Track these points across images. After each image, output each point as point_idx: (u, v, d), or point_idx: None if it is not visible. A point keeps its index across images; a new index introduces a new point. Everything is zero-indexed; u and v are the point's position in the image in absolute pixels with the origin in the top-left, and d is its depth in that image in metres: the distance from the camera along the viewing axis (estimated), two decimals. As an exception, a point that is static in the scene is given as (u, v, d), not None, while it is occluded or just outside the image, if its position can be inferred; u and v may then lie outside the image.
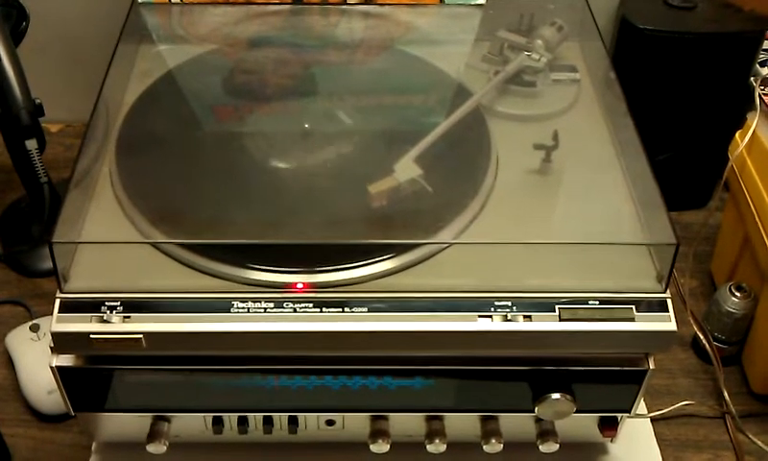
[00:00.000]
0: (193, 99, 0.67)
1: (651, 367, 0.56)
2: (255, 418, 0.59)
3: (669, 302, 0.54)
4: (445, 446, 0.59)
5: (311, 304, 0.52)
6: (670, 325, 0.53)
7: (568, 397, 0.56)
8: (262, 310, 0.52)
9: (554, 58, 0.70)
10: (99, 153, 0.61)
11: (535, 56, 0.69)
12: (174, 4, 0.76)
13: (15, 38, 0.72)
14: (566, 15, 0.72)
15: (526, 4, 0.74)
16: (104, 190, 0.58)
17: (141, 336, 0.51)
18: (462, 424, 0.60)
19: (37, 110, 0.69)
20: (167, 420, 0.59)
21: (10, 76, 0.68)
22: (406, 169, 0.59)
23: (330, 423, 0.60)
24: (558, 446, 0.60)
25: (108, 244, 0.54)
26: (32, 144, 0.70)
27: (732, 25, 0.77)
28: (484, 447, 0.59)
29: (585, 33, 0.73)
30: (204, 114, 0.66)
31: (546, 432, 0.60)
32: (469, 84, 0.68)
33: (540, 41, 0.70)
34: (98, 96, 0.62)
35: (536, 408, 0.57)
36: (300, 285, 0.52)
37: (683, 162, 0.82)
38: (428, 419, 0.59)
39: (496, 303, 0.53)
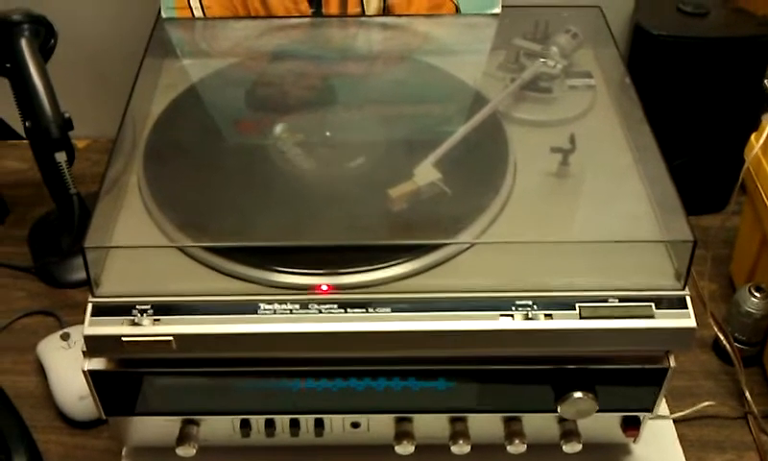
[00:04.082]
0: (217, 110, 0.69)
1: (672, 365, 0.56)
2: (282, 420, 0.60)
3: (688, 299, 0.54)
4: (470, 447, 0.60)
5: (336, 306, 0.53)
6: (690, 321, 0.54)
7: (590, 396, 0.57)
8: (288, 312, 0.53)
9: (569, 64, 0.71)
10: (127, 163, 0.62)
11: (550, 62, 0.70)
12: (197, 19, 0.78)
13: (44, 55, 0.74)
14: (581, 23, 0.73)
15: (541, 12, 0.75)
16: (132, 198, 0.60)
17: (171, 338, 0.52)
18: (485, 424, 0.60)
19: (66, 124, 0.71)
20: (196, 423, 0.60)
21: (39, 91, 0.70)
22: (426, 173, 0.60)
23: (356, 425, 0.61)
24: (581, 446, 0.60)
25: (137, 249, 0.56)
26: (61, 157, 0.72)
27: (745, 30, 0.78)
28: (507, 447, 0.60)
29: (599, 39, 0.75)
30: (228, 125, 0.68)
31: (569, 432, 0.60)
32: (486, 92, 0.69)
33: (555, 48, 0.71)
34: (126, 108, 0.64)
35: (558, 408, 0.57)
36: (324, 287, 0.54)
37: (699, 166, 0.82)
38: (452, 420, 0.60)
39: (517, 303, 0.53)
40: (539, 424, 0.60)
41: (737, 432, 0.68)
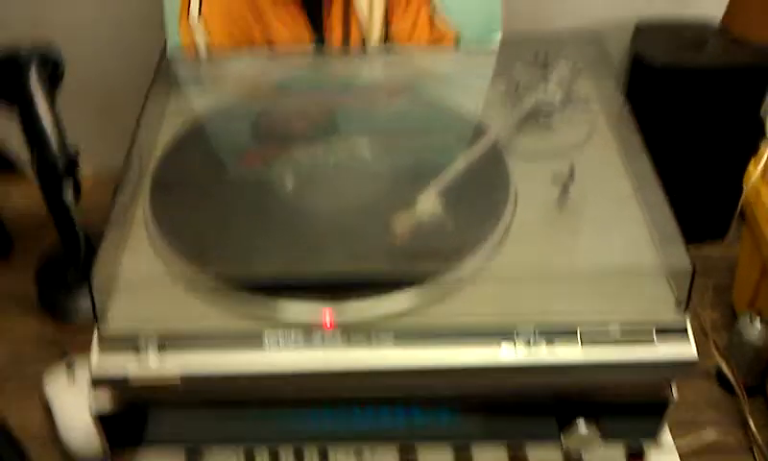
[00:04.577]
0: (223, 143, 0.70)
1: (674, 394, 0.56)
2: (287, 453, 0.60)
3: (689, 327, 0.55)
4: (473, 479, 0.60)
5: (339, 337, 0.53)
6: (690, 349, 0.54)
7: (594, 426, 0.57)
8: (292, 343, 0.53)
9: (569, 94, 0.72)
10: (133, 196, 0.63)
11: (550, 92, 0.71)
12: (202, 53, 0.79)
13: (51, 88, 0.75)
14: (580, 53, 0.74)
15: (540, 42, 0.77)
16: (139, 231, 0.61)
17: (179, 380, 0.52)
18: (490, 458, 0.60)
19: (73, 160, 0.72)
20: (200, 455, 0.60)
21: (47, 126, 0.71)
22: (428, 205, 0.61)
23: (360, 456, 0.61)
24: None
25: (143, 282, 0.56)
26: (68, 192, 0.72)
27: (742, 60, 0.79)
28: (512, 480, 0.60)
29: (598, 69, 0.75)
30: (234, 158, 0.69)
31: (574, 465, 0.60)
32: (487, 123, 0.70)
33: (554, 78, 0.72)
34: (132, 142, 0.65)
35: (562, 439, 0.58)
36: (328, 318, 0.54)
37: (699, 194, 0.83)
38: (456, 452, 0.60)
39: (519, 332, 0.54)
40: (544, 458, 0.60)
41: (742, 462, 0.68)
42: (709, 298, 0.77)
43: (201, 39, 0.79)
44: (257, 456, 0.60)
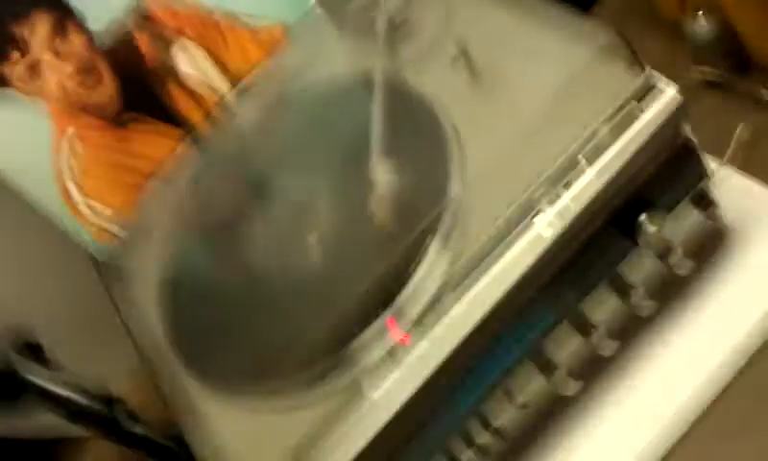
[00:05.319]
0: (208, 272, 0.70)
1: (689, 132, 0.57)
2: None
3: (653, 73, 0.56)
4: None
5: (420, 326, 0.54)
6: (671, 91, 0.55)
7: (654, 212, 0.57)
8: (395, 370, 0.53)
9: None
10: (174, 378, 0.63)
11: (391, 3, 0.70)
12: (119, 234, 0.80)
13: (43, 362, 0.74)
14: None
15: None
16: (200, 398, 0.61)
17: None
18: (603, 307, 0.60)
19: (108, 397, 0.72)
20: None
21: (73, 398, 0.70)
22: (383, 173, 0.61)
23: (510, 398, 0.60)
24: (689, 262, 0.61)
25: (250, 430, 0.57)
26: (126, 423, 0.73)
27: None
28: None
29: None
30: (226, 274, 0.68)
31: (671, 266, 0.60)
32: (369, 68, 0.68)
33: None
34: (133, 343, 0.66)
35: (639, 242, 0.57)
36: (397, 331, 0.54)
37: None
38: (576, 327, 0.60)
39: (534, 203, 0.54)
40: (642, 278, 0.60)
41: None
42: (640, 27, 0.78)
43: (107, 223, 0.80)
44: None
